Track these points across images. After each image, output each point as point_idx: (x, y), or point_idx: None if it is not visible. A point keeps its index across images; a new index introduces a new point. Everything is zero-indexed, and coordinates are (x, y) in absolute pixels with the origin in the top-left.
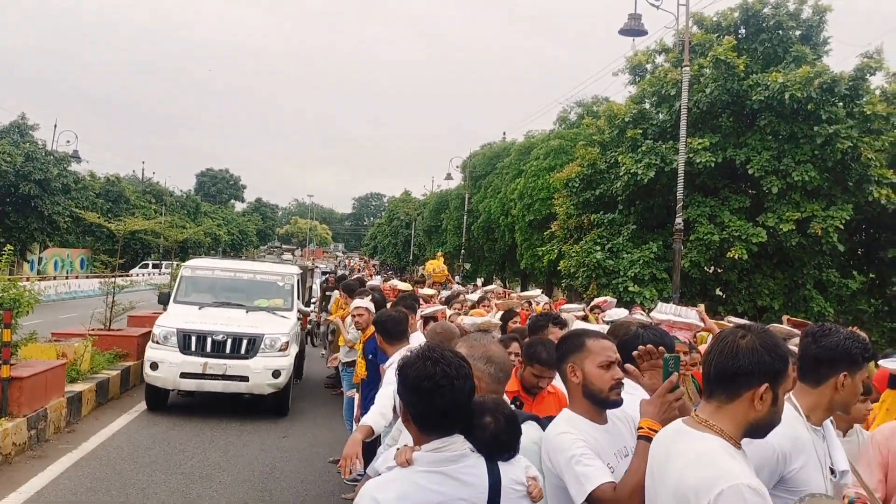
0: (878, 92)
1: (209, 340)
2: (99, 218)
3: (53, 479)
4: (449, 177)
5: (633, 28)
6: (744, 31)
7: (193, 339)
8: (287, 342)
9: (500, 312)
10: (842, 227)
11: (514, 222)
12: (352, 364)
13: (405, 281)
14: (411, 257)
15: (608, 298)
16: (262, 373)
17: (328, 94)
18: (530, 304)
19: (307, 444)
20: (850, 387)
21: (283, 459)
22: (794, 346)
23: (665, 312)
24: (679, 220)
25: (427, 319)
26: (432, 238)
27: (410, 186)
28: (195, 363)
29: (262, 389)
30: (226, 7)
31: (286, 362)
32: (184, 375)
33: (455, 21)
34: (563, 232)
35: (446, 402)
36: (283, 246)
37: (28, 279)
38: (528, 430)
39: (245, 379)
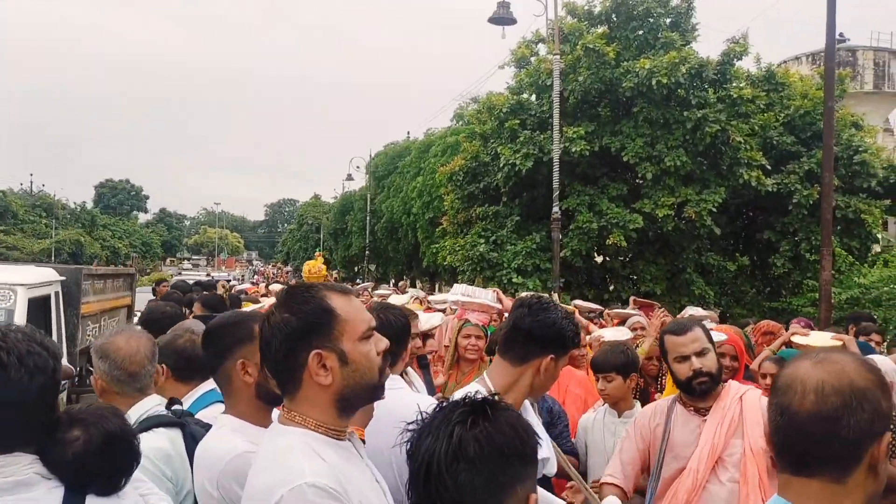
0: (745, 76)
1: None
2: None
3: None
4: (350, 177)
5: (503, 16)
6: (615, 18)
7: None
8: None
9: None
10: (715, 210)
11: (416, 221)
12: None
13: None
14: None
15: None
16: None
17: (237, 99)
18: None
19: None
20: (552, 372)
21: None
22: (637, 327)
23: (455, 293)
24: (556, 208)
25: None
26: (339, 241)
27: (321, 190)
28: None
29: None
30: (117, 19)
31: None
32: None
33: (361, 24)
34: (453, 227)
35: None
36: (193, 257)
37: None
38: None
39: None
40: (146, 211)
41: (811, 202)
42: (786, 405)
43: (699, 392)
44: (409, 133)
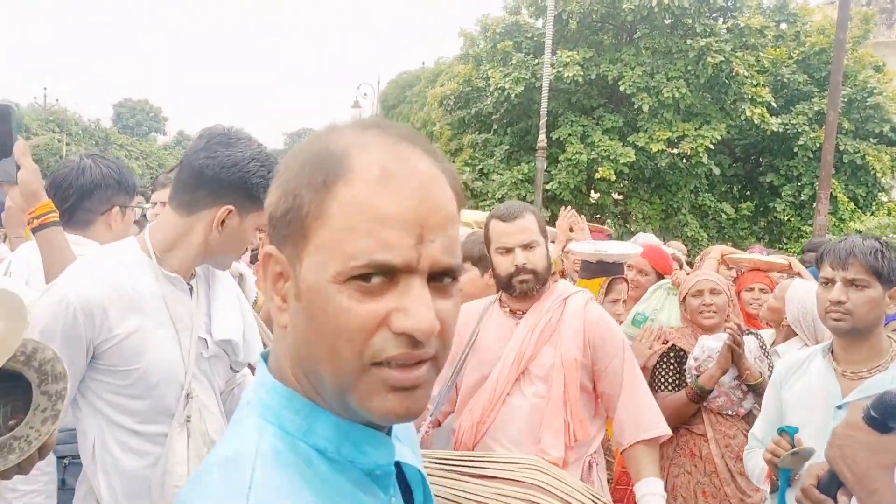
0: (756, 6)
1: None
2: None
3: None
4: (356, 104)
5: None
6: None
7: None
8: None
9: None
10: (713, 147)
11: None
12: None
13: None
14: None
15: None
16: None
17: (255, 23)
18: None
19: None
20: (235, 229)
21: None
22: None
23: None
24: (542, 136)
25: None
26: None
27: (337, 119)
28: None
29: None
30: None
31: None
32: None
33: None
34: (443, 154)
35: None
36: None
37: None
38: None
39: None
40: (164, 133)
41: (817, 145)
42: None
43: (519, 291)
44: (423, 63)
